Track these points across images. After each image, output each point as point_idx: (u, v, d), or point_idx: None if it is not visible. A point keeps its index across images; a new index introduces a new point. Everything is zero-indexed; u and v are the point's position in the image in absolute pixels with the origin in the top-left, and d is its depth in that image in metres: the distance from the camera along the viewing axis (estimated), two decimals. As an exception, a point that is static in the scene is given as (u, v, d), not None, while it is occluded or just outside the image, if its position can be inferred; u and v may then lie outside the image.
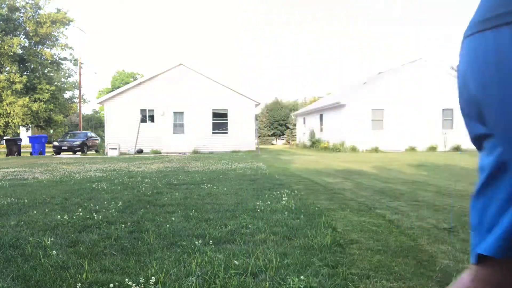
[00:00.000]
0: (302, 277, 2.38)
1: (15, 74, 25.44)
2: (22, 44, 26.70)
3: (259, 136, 32.99)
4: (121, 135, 21.95)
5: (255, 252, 2.83)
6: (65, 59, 29.62)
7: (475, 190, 0.68)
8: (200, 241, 3.11)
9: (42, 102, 26.07)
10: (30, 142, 23.16)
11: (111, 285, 2.21)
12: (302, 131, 33.68)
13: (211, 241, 3.13)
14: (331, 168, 10.66)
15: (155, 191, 6.06)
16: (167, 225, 3.70)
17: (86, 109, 60.64)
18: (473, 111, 0.66)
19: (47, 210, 4.48)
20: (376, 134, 22.90)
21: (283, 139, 52.01)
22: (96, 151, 26.55)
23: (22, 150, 23.29)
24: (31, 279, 2.35)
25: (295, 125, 43.08)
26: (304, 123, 33.21)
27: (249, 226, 3.67)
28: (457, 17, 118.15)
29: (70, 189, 6.35)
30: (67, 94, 31.34)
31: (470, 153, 20.39)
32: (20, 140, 22.71)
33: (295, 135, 37.73)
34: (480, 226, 0.66)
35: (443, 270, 2.52)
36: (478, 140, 0.69)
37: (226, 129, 23.19)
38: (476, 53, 0.64)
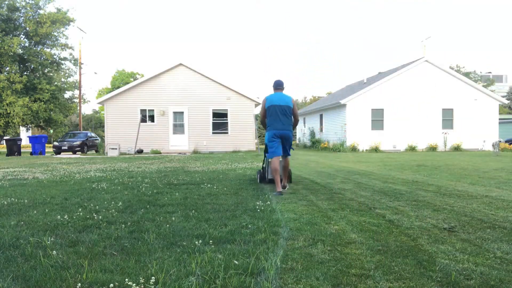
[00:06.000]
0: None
1: (15, 74, 25.44)
2: (22, 44, 26.69)
3: (259, 136, 32.97)
4: (121, 135, 21.96)
5: (255, 252, 2.83)
6: (65, 59, 29.60)
7: None
8: (200, 241, 3.11)
9: (42, 102, 26.06)
10: (30, 142, 23.15)
11: (111, 285, 2.21)
12: (302, 131, 33.68)
13: (211, 241, 3.12)
14: (331, 168, 10.66)
15: (155, 191, 6.05)
16: (167, 225, 3.70)
17: (86, 109, 60.63)
18: None
19: (47, 210, 4.48)
20: (376, 134, 22.91)
21: (283, 139, 51.88)
22: (96, 151, 26.55)
23: (22, 150, 23.29)
24: (31, 279, 2.35)
25: (295, 125, 42.92)
26: (304, 123, 33.22)
27: (249, 226, 3.67)
28: (457, 17, 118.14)
29: (70, 189, 6.35)
30: (67, 94, 31.31)
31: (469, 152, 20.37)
32: (20, 140, 22.71)
33: (295, 135, 37.73)
34: None
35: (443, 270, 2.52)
36: None
37: (226, 129, 23.17)
38: None
